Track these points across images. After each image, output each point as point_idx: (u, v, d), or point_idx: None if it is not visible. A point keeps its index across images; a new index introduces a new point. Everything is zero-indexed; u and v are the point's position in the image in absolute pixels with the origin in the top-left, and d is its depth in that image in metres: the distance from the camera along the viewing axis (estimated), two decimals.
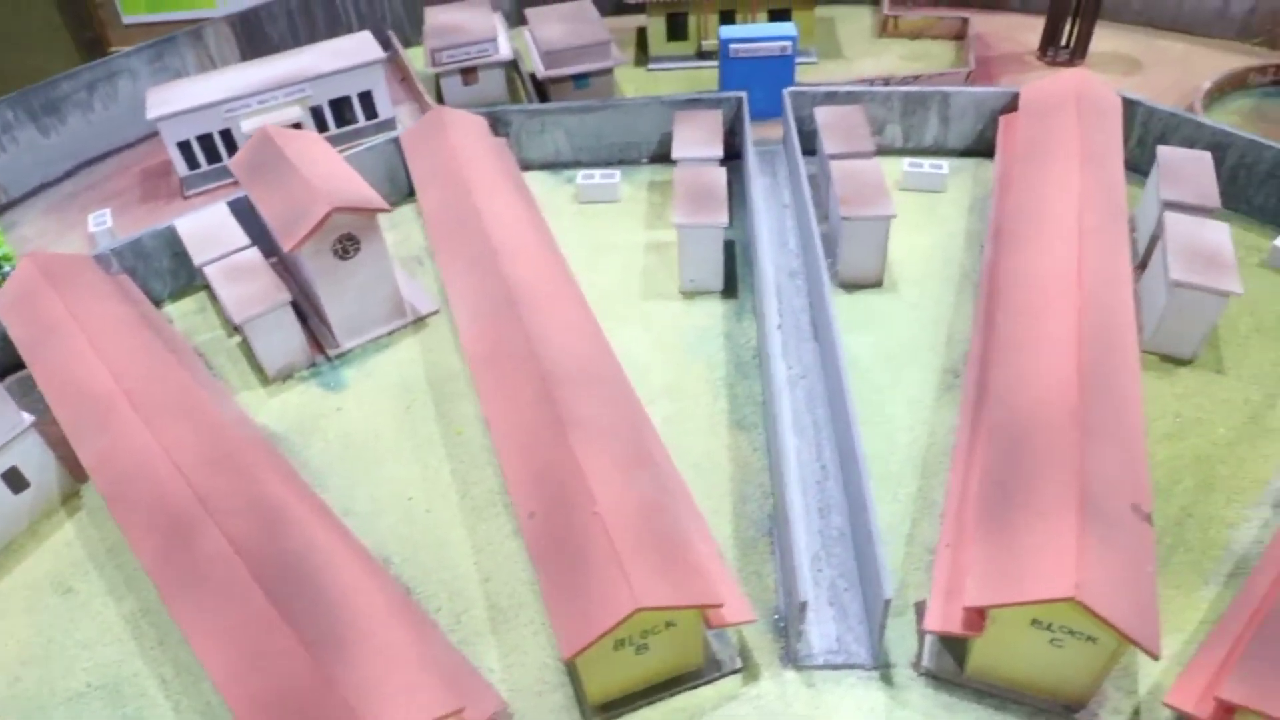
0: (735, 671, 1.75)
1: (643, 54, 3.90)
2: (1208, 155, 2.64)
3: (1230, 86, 3.43)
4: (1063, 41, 3.68)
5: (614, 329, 2.51)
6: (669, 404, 2.31)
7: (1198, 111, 3.15)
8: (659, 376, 2.39)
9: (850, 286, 2.60)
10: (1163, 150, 2.67)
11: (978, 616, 1.59)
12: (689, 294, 2.62)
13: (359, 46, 3.46)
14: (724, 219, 2.49)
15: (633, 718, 1.70)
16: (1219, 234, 2.35)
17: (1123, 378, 1.90)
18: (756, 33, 3.27)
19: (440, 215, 2.57)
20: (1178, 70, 3.57)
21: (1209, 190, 2.52)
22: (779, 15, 3.72)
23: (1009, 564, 1.55)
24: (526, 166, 3.20)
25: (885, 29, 3.92)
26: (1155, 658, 1.47)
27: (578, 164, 3.19)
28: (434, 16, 3.65)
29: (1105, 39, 3.79)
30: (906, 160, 2.99)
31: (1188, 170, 2.59)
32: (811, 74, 3.68)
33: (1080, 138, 2.55)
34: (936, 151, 3.12)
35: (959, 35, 3.80)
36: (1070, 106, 2.69)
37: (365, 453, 2.30)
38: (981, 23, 3.94)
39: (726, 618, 1.63)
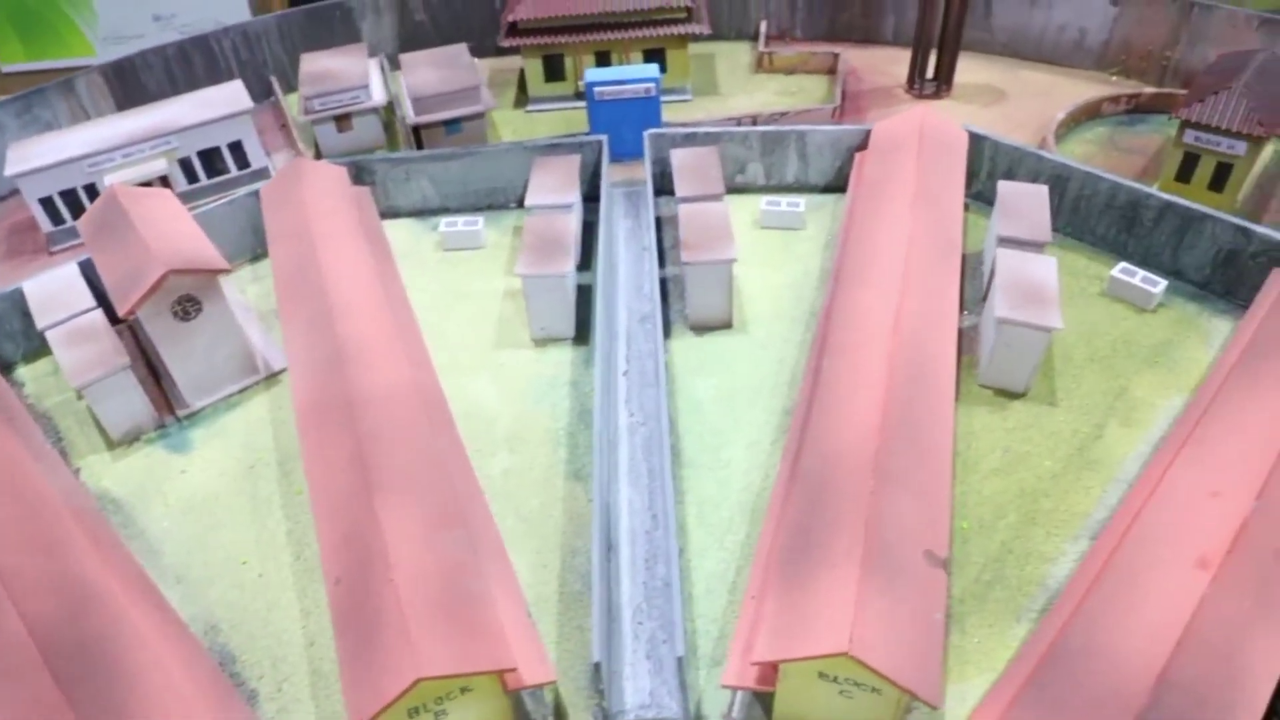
0: None
1: (524, 95, 3.92)
2: (1044, 189, 2.71)
3: (1085, 116, 3.53)
4: (929, 74, 3.76)
5: (463, 380, 2.52)
6: (509, 456, 2.31)
7: (1050, 142, 3.24)
8: (503, 428, 2.38)
9: (700, 329, 2.62)
10: (1003, 185, 2.74)
11: (771, 670, 1.60)
12: (540, 342, 2.63)
13: (229, 96, 3.44)
14: (568, 268, 2.50)
15: None
16: (1046, 269, 2.41)
17: (932, 420, 1.93)
18: (621, 75, 3.31)
19: (286, 271, 2.56)
20: (1040, 100, 3.67)
21: (1042, 224, 2.58)
22: (654, 55, 3.77)
23: (796, 618, 1.57)
24: (394, 214, 3.20)
25: (761, 65, 3.99)
26: (934, 708, 1.49)
27: (445, 210, 3.19)
28: (309, 64, 3.65)
29: (972, 70, 3.89)
30: (764, 199, 3.03)
31: (1024, 204, 2.66)
32: (686, 111, 3.73)
33: (917, 175, 2.60)
34: (799, 188, 3.17)
35: (831, 70, 3.87)
36: (912, 144, 2.75)
37: (205, 516, 2.27)
38: (855, 56, 4.03)
39: (524, 679, 1.62)
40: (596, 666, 1.59)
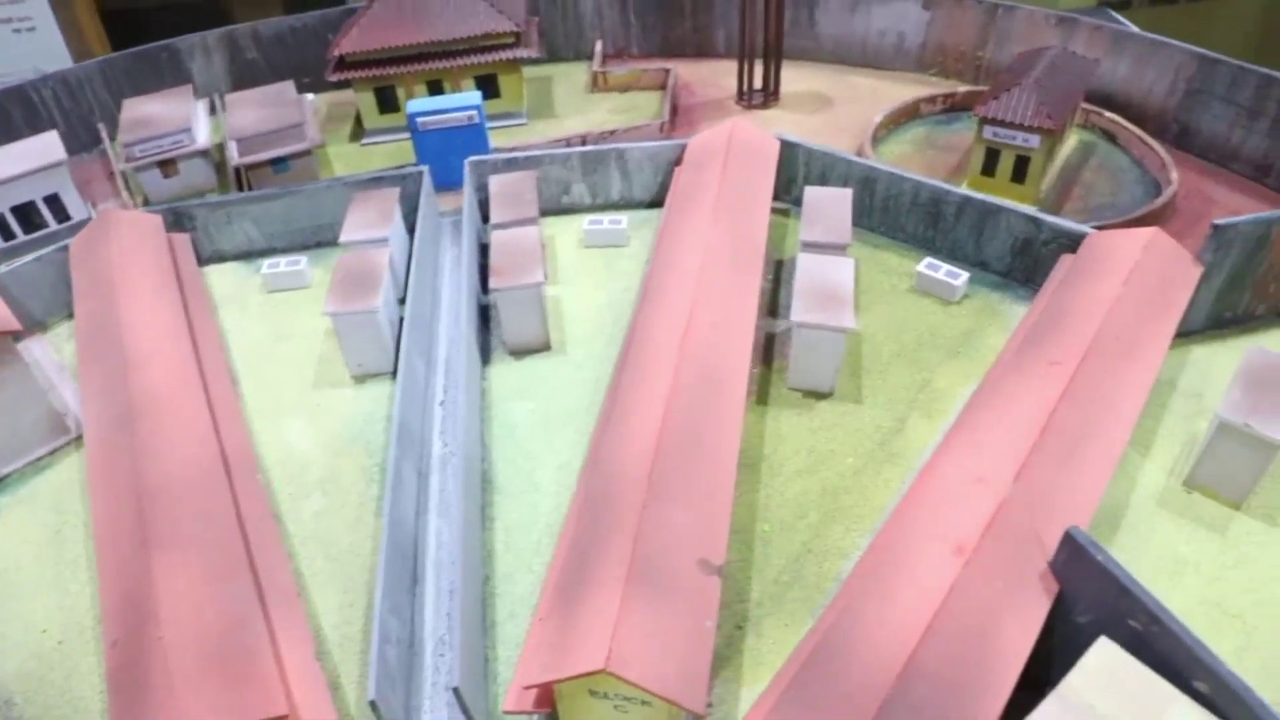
0: None
1: (361, 129, 3.89)
2: (848, 193, 2.80)
3: (905, 117, 3.66)
4: (758, 85, 3.85)
5: (280, 423, 2.49)
6: (321, 498, 2.28)
7: (866, 146, 3.35)
8: (316, 470, 2.36)
9: (518, 353, 2.64)
10: (809, 191, 2.82)
11: (547, 692, 1.61)
12: (359, 378, 2.61)
13: (42, 148, 3.34)
14: (377, 302, 2.49)
15: None
16: (844, 271, 2.48)
17: (717, 430, 1.98)
18: (442, 104, 3.31)
19: (86, 327, 2.49)
20: (864, 104, 3.79)
21: (843, 227, 2.67)
22: (486, 81, 3.79)
23: (563, 637, 1.58)
24: (220, 258, 3.15)
25: (596, 84, 4.03)
26: (700, 716, 1.52)
27: (272, 250, 3.15)
28: (130, 109, 3.57)
29: (801, 79, 4.00)
30: (587, 218, 3.06)
31: (828, 208, 2.74)
32: (521, 135, 3.75)
33: (720, 186, 2.67)
34: (624, 205, 3.21)
35: (664, 85, 3.94)
36: (720, 156, 2.82)
37: (5, 586, 2.19)
38: (689, 70, 4.11)
39: None
40: (373, 705, 1.58)
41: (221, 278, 3.08)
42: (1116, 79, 3.58)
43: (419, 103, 3.34)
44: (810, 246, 2.61)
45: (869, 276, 2.89)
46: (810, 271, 2.48)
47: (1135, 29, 3.70)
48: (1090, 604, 1.64)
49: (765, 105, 3.85)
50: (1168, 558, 2.05)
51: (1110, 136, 3.52)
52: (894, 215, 2.97)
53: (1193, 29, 5.09)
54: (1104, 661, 1.50)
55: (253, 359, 2.71)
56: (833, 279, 2.45)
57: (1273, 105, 3.19)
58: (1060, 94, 3.08)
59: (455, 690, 1.58)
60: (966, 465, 1.87)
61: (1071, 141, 3.52)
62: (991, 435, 1.94)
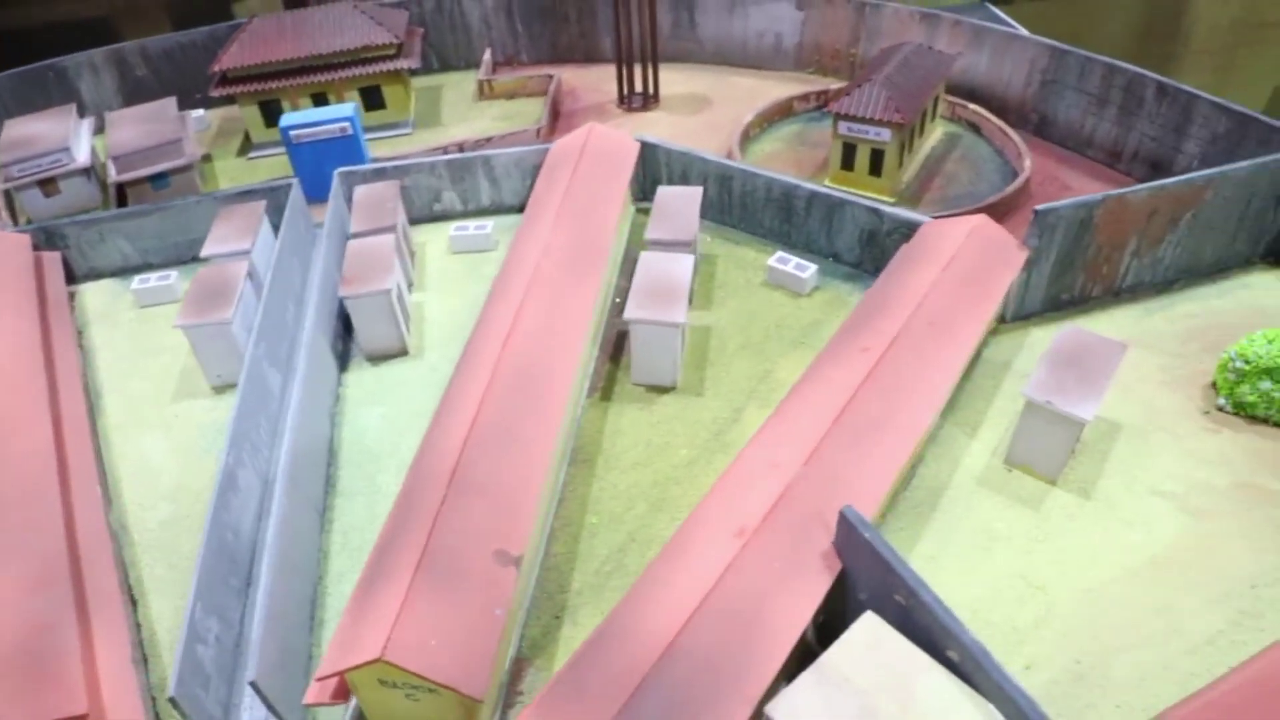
0: None
1: (250, 143, 3.93)
2: (698, 191, 2.89)
3: (779, 115, 3.75)
4: (639, 88, 3.93)
5: (138, 435, 2.54)
6: (169, 506, 2.33)
7: (734, 147, 3.44)
8: (167, 480, 2.41)
9: (375, 359, 2.70)
10: (660, 190, 2.90)
11: (343, 684, 1.68)
12: (219, 389, 2.66)
13: None
14: (228, 315, 2.55)
15: None
16: (682, 267, 2.56)
17: (533, 426, 2.05)
18: (315, 116, 3.36)
19: None
20: (743, 104, 3.87)
21: (689, 225, 2.75)
22: (371, 92, 3.84)
23: (354, 630, 1.65)
24: (96, 276, 3.18)
25: (483, 93, 4.10)
26: (476, 701, 1.59)
27: (148, 266, 3.19)
28: (10, 129, 3.59)
29: (683, 81, 4.09)
30: (455, 224, 3.13)
31: (677, 207, 2.82)
32: (406, 144, 3.81)
33: (566, 191, 2.74)
34: (494, 211, 3.28)
35: (546, 92, 4.01)
36: (573, 160, 2.89)
37: None
38: (575, 76, 4.18)
39: None
40: (172, 701, 1.63)
41: (95, 295, 3.11)
42: (979, 73, 3.69)
43: (292, 116, 3.39)
44: (656, 244, 2.69)
45: (725, 271, 2.97)
46: (649, 268, 2.56)
47: (999, 24, 3.82)
48: (866, 582, 1.73)
49: (645, 108, 3.93)
50: (981, 533, 2.15)
51: (975, 128, 3.63)
52: (751, 211, 3.06)
53: (1073, 23, 5.24)
54: (866, 635, 1.59)
55: (117, 374, 2.75)
56: (670, 275, 2.53)
57: (1118, 93, 3.31)
58: (912, 89, 3.18)
59: (253, 684, 1.64)
60: (767, 451, 1.96)
61: (937, 134, 3.63)
62: (795, 422, 2.03)
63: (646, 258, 2.60)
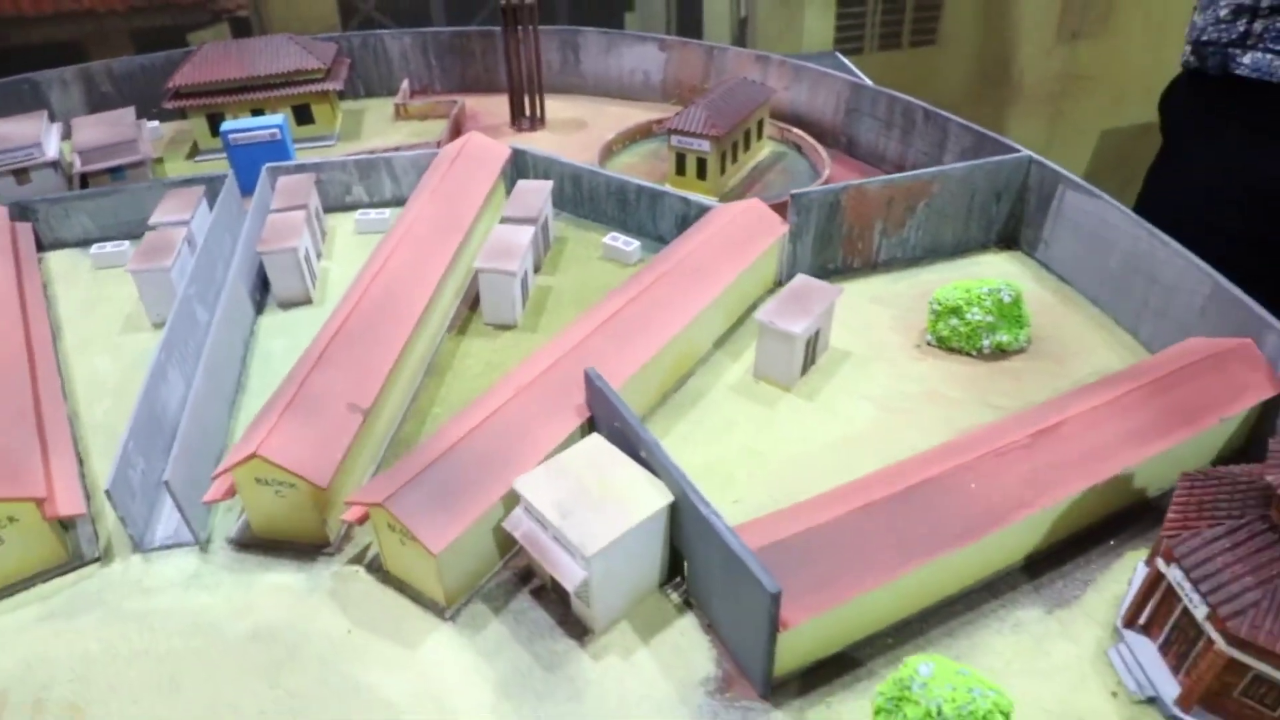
0: (95, 560, 2.44)
1: (197, 149, 4.67)
2: (548, 184, 3.66)
3: (640, 135, 4.57)
4: (528, 113, 4.74)
5: (87, 356, 3.22)
6: (111, 400, 3.00)
7: (596, 158, 4.23)
8: (111, 383, 3.08)
9: (286, 306, 3.41)
10: (520, 183, 3.67)
11: (231, 485, 2.37)
12: (158, 325, 3.35)
13: None
14: (168, 263, 3.26)
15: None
16: (524, 235, 3.32)
17: (390, 330, 2.77)
18: (250, 124, 4.11)
19: None
20: (615, 127, 4.68)
21: (535, 206, 3.51)
22: (302, 109, 4.61)
23: (240, 446, 2.35)
24: (61, 245, 3.88)
25: (399, 114, 4.88)
26: (322, 489, 2.29)
27: (105, 238, 3.89)
28: None
29: (568, 109, 4.90)
30: (358, 211, 3.88)
31: (530, 195, 3.59)
32: (328, 153, 4.56)
33: (442, 180, 3.51)
34: (396, 203, 4.03)
35: (449, 114, 4.80)
36: (451, 159, 3.66)
37: None
38: (478, 103, 4.99)
39: (60, 510, 2.34)
40: (108, 493, 2.30)
41: (59, 260, 3.81)
42: (801, 103, 4.54)
43: (231, 123, 4.13)
44: (508, 220, 3.45)
45: (571, 249, 3.74)
46: (500, 235, 3.32)
47: (844, 71, 4.67)
48: (605, 426, 2.46)
49: (534, 128, 4.73)
50: (724, 421, 2.87)
51: (797, 147, 4.46)
52: (596, 203, 3.84)
53: (916, 71, 6.16)
54: (588, 446, 2.31)
55: (75, 315, 3.44)
56: (514, 240, 3.28)
57: (899, 118, 4.15)
58: (729, 110, 4.00)
59: (166, 482, 2.33)
60: (550, 347, 2.69)
61: (765, 151, 4.46)
62: (572, 329, 2.77)
63: (499, 229, 3.36)
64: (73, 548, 2.46)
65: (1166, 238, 3.05)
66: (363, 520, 2.30)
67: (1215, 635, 1.88)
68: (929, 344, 3.19)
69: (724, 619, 2.13)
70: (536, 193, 3.60)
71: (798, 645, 2.03)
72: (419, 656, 2.17)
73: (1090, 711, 2.02)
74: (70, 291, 3.60)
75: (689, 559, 2.22)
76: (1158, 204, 4.29)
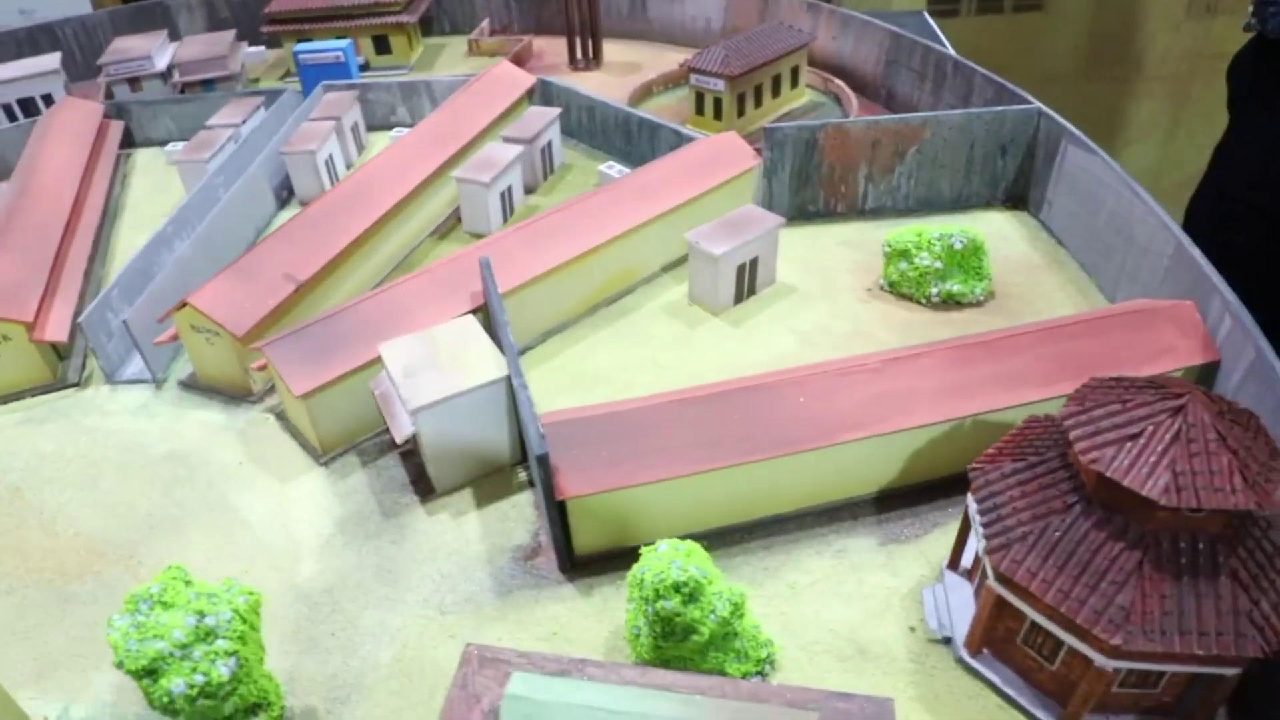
0: (74, 385, 2.89)
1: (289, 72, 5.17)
2: (556, 111, 3.86)
3: (682, 79, 4.66)
4: (580, 54, 4.94)
5: (131, 233, 3.71)
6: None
7: (627, 98, 4.38)
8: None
9: (306, 204, 3.79)
10: (530, 109, 3.90)
11: (175, 331, 2.74)
12: None
13: (46, 62, 4.70)
14: (204, 156, 3.70)
15: None
16: (510, 152, 3.55)
17: (344, 226, 3.06)
18: (319, 47, 4.53)
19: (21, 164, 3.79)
20: (666, 71, 4.81)
21: (534, 129, 3.72)
22: (380, 40, 5.01)
23: (183, 300, 2.71)
24: (149, 143, 4.44)
25: (471, 50, 5.20)
26: (238, 338, 2.61)
27: (184, 139, 4.41)
28: (117, 42, 4.92)
29: (628, 53, 5.07)
30: (395, 129, 4.23)
31: (536, 120, 3.80)
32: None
33: (459, 98, 3.78)
34: None
35: (515, 51, 5.07)
36: (474, 83, 3.93)
37: None
38: (546, 44, 5.24)
39: (45, 336, 2.78)
40: (79, 325, 2.72)
41: (144, 156, 4.37)
42: (846, 53, 4.51)
43: (303, 45, 4.57)
44: (507, 139, 3.68)
45: (573, 175, 3.94)
46: (488, 151, 3.56)
47: (931, 36, 4.60)
48: (494, 310, 2.65)
49: (588, 68, 4.92)
50: (642, 335, 2.96)
51: (836, 98, 4.44)
52: (606, 134, 4.01)
53: (1017, 39, 5.89)
54: (459, 324, 2.50)
55: (139, 202, 3.97)
56: (499, 157, 3.51)
57: (931, 69, 4.07)
58: (751, 53, 4.04)
59: (125, 322, 2.73)
60: (477, 246, 2.90)
61: (803, 99, 4.46)
62: (508, 230, 2.97)
63: (491, 145, 3.60)
64: (61, 373, 2.91)
65: (1145, 194, 2.91)
66: (262, 367, 2.62)
67: (989, 570, 1.88)
68: (882, 289, 3.18)
69: (540, 494, 2.29)
70: (541, 118, 3.80)
71: (597, 527, 2.15)
72: (286, 489, 2.47)
73: (876, 641, 2.03)
74: (144, 180, 4.13)
75: (524, 436, 2.39)
76: (1217, 181, 4.01)
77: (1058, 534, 1.76)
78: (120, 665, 1.53)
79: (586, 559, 2.21)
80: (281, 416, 2.70)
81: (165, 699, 1.51)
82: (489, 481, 2.46)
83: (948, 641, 2.03)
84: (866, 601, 2.12)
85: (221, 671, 1.54)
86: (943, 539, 2.26)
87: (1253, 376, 2.26)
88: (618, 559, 2.20)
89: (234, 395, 2.79)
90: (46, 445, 2.67)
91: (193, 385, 2.84)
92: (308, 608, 2.15)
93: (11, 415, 2.81)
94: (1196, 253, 2.62)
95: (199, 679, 1.52)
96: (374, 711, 1.92)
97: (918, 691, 1.93)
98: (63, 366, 2.92)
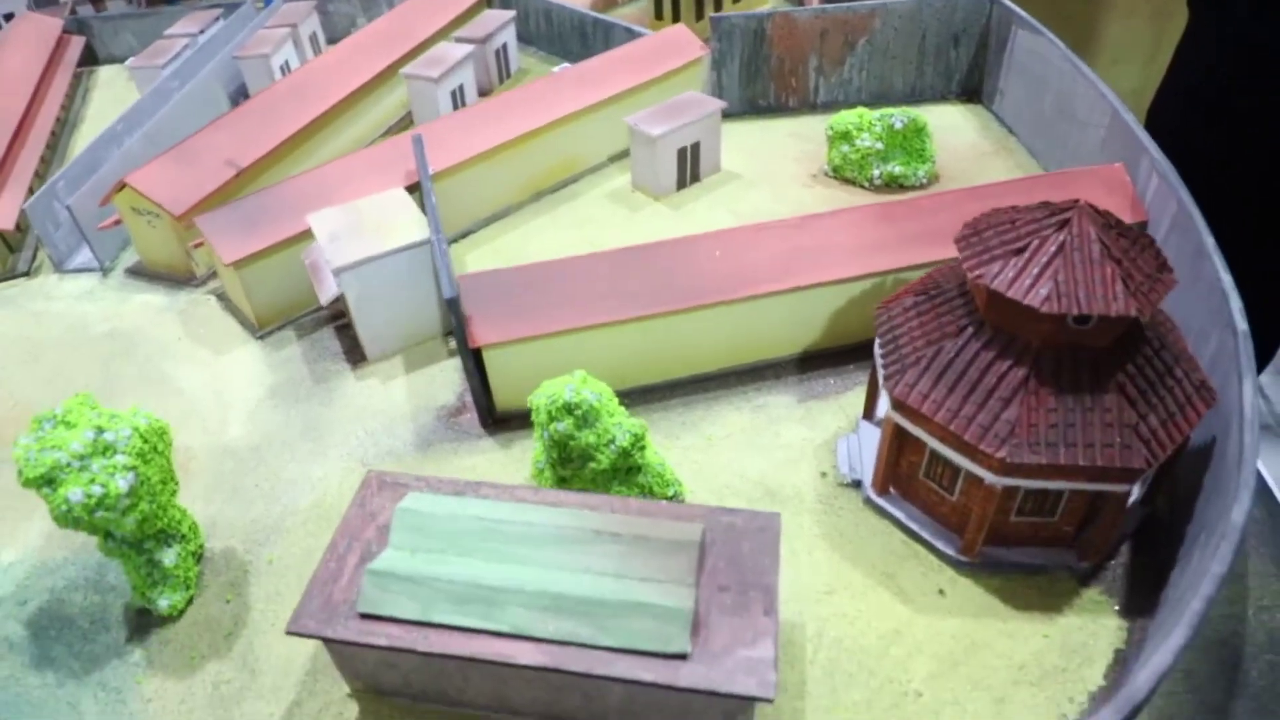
0: (23, 274, 2.93)
1: None
2: (511, 14, 3.84)
3: None
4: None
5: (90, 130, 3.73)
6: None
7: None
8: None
9: None
10: (487, 11, 3.87)
11: (119, 216, 2.77)
12: None
13: None
14: (160, 62, 3.71)
15: None
16: (459, 52, 3.54)
17: (288, 117, 3.08)
18: None
19: None
20: None
21: (487, 30, 3.71)
22: None
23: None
24: (111, 60, 4.45)
25: None
26: (176, 218, 2.64)
27: None
28: None
29: None
30: None
31: (490, 21, 3.79)
32: None
33: (407, 5, 3.77)
34: None
35: None
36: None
37: None
38: None
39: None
40: (23, 212, 2.76)
41: (108, 71, 4.38)
42: None
43: None
44: (459, 39, 3.68)
45: (529, 80, 3.92)
46: (438, 50, 3.54)
47: None
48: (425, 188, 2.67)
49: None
50: (583, 217, 2.99)
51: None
52: (564, 39, 3.99)
53: (1089, 12, 5.71)
54: (388, 196, 2.51)
55: (97, 115, 3.99)
56: (449, 55, 3.50)
57: None
58: None
59: (68, 206, 2.76)
60: (417, 130, 2.91)
61: (768, 3, 4.41)
62: (449, 115, 2.98)
63: (442, 45, 3.59)
64: (11, 265, 2.96)
65: (1087, 69, 2.89)
66: (200, 245, 2.65)
67: (888, 400, 1.89)
68: (826, 174, 3.18)
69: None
70: (495, 19, 3.79)
71: (516, 383, 2.17)
72: (221, 361, 2.51)
73: (787, 485, 2.07)
74: (104, 95, 4.15)
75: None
76: (1175, 81, 3.96)
77: (950, 356, 1.77)
78: (20, 476, 1.57)
79: (508, 416, 2.25)
80: (223, 297, 2.73)
81: (64, 506, 1.56)
82: (420, 350, 2.49)
83: (858, 485, 2.06)
84: (782, 452, 2.15)
85: (120, 484, 1.59)
86: (862, 395, 2.28)
87: (1175, 228, 2.27)
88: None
89: (178, 280, 2.82)
90: None
91: (139, 272, 2.88)
92: (234, 462, 2.19)
93: None
94: (1130, 117, 2.61)
95: (97, 490, 1.56)
96: (290, 550, 1.97)
97: (823, 530, 1.97)
98: (13, 259, 2.97)
